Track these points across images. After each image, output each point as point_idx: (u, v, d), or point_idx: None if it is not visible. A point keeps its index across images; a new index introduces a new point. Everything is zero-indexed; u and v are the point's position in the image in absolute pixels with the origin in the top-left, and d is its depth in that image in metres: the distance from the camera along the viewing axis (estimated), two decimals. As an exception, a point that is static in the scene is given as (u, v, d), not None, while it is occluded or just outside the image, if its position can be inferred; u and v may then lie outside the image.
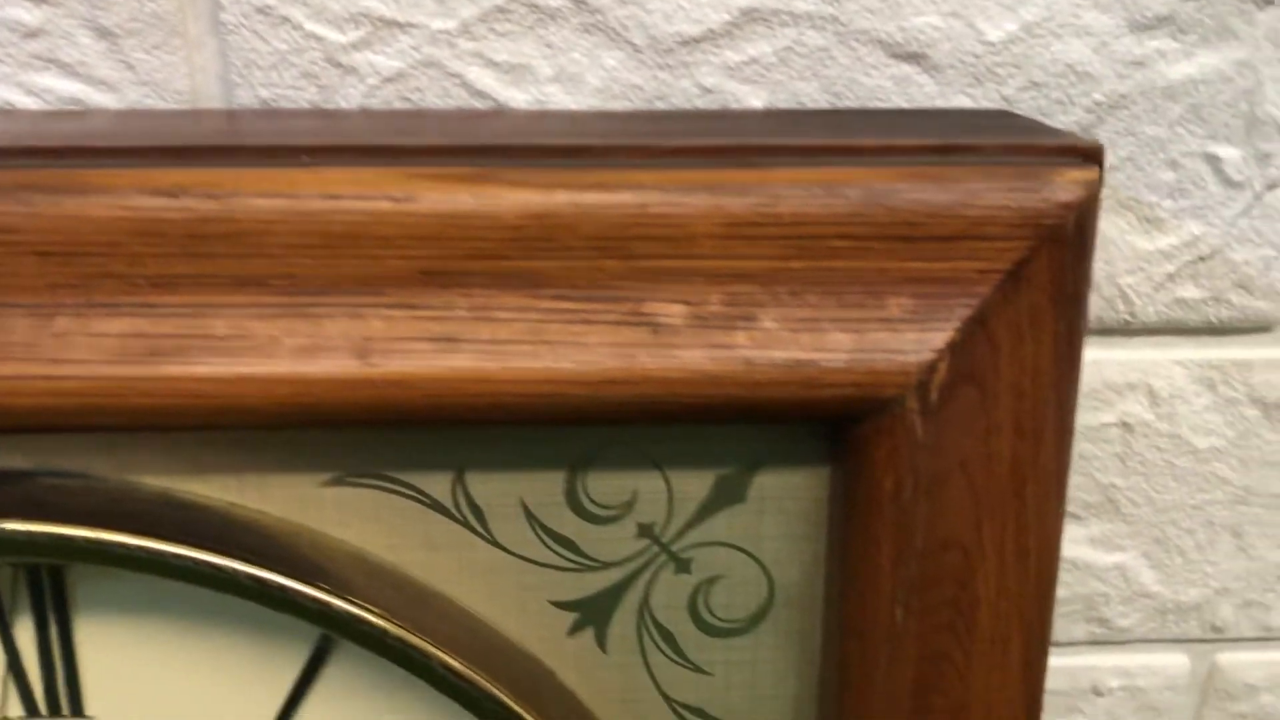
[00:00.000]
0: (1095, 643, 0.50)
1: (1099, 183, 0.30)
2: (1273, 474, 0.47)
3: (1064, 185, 0.30)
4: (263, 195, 0.29)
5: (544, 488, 0.32)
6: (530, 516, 0.32)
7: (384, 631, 0.30)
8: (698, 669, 0.34)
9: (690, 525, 0.33)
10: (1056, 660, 0.51)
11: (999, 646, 0.33)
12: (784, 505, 0.33)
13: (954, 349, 0.30)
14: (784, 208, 0.29)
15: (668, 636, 0.34)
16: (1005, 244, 0.30)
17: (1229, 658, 0.51)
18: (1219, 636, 0.50)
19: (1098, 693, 0.51)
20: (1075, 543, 0.47)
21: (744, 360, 0.29)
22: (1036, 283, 0.30)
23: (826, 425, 0.32)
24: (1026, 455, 0.31)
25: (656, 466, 0.32)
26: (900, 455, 0.30)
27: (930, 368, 0.30)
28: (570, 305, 0.29)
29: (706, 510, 0.33)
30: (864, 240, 0.30)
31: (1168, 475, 0.46)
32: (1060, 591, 0.49)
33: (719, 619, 0.34)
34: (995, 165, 0.30)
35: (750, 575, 0.33)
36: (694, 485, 0.33)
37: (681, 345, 0.29)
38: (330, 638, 0.33)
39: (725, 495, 0.33)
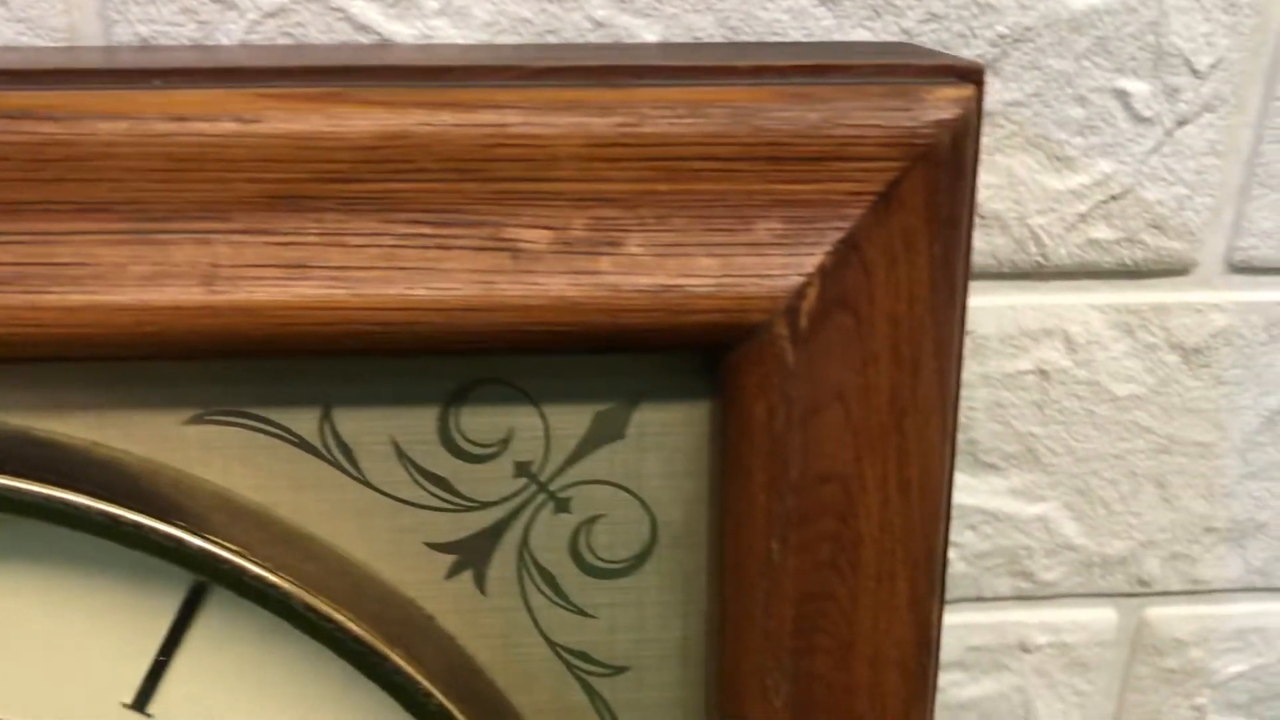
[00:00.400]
0: (1021, 598, 0.50)
1: (976, 101, 0.29)
2: (1195, 422, 0.46)
3: (937, 104, 0.29)
4: (106, 118, 0.28)
5: (415, 425, 0.31)
6: (402, 455, 0.31)
7: (241, 570, 0.29)
8: (581, 612, 0.33)
9: (569, 463, 0.32)
10: (982, 617, 0.50)
11: (885, 585, 0.32)
12: (664, 441, 0.32)
13: (824, 273, 0.29)
14: (648, 128, 0.28)
15: (549, 578, 0.33)
16: (876, 165, 0.29)
17: (1157, 612, 0.51)
18: (1146, 590, 0.50)
19: (1025, 649, 0.50)
20: (996, 494, 0.47)
21: (608, 286, 0.29)
22: (910, 205, 0.29)
23: (704, 358, 0.31)
24: (905, 386, 0.31)
25: (532, 402, 0.31)
26: (771, 383, 0.29)
27: (799, 293, 0.29)
28: (426, 230, 0.28)
29: (585, 447, 0.32)
30: (730, 162, 0.29)
31: (1087, 424, 0.45)
32: (982, 545, 0.48)
33: (601, 560, 0.33)
34: (866, 85, 0.29)
35: (632, 514, 0.33)
36: (571, 422, 0.32)
37: (543, 271, 0.28)
38: (205, 583, 0.32)
39: (604, 432, 0.32)
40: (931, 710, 0.34)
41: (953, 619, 0.50)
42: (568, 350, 0.29)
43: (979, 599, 0.49)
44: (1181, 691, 0.52)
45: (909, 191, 0.29)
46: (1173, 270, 0.43)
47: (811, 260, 0.29)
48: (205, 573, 0.30)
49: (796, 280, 0.29)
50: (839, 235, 0.29)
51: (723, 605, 0.32)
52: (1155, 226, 0.42)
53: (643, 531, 0.33)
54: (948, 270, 0.30)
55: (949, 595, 0.49)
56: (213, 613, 0.33)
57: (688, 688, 0.34)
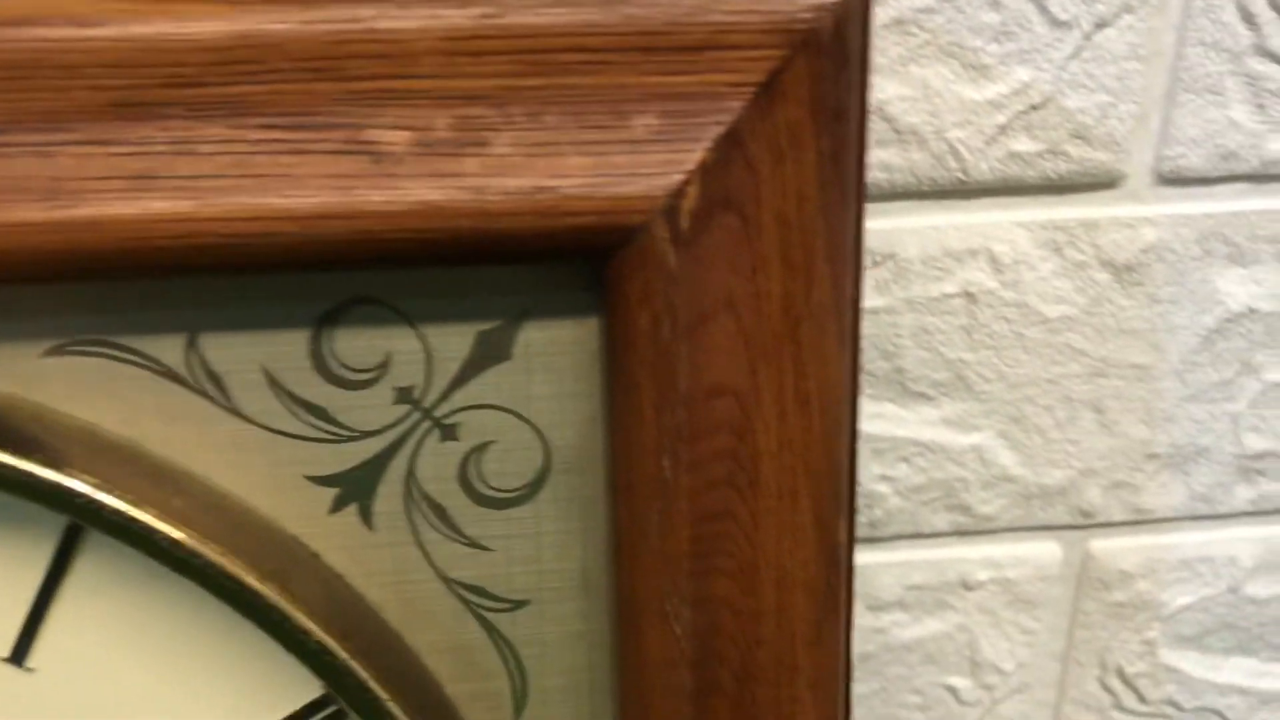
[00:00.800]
0: (960, 533, 0.48)
1: (861, -15, 0.28)
2: (1130, 343, 0.45)
3: (818, -13, 0.27)
4: (-67, 25, 0.26)
5: (287, 351, 0.30)
6: (274, 383, 0.30)
7: (100, 505, 0.28)
8: (475, 544, 0.32)
9: (453, 388, 0.30)
10: (920, 553, 0.49)
11: (787, 503, 0.31)
12: (553, 362, 0.30)
13: (705, 171, 0.27)
14: (512, 19, 0.27)
15: (439, 510, 0.31)
16: (755, 54, 0.27)
17: (1102, 544, 0.49)
18: (1089, 522, 0.48)
19: (967, 586, 0.49)
20: (928, 424, 0.45)
21: (475, 189, 0.27)
22: (794, 97, 0.28)
23: (590, 271, 0.29)
24: (798, 292, 0.29)
25: (410, 323, 0.30)
26: (654, 290, 0.28)
27: (679, 191, 0.27)
28: (280, 135, 0.27)
29: (469, 370, 0.30)
30: (602, 54, 0.27)
31: (1018, 348, 0.44)
32: (917, 478, 0.46)
33: (493, 489, 0.31)
34: (744, -32, 0.27)
35: (523, 439, 0.31)
36: (453, 343, 0.30)
37: (405, 175, 0.27)
38: (79, 527, 0.31)
39: (488, 353, 0.30)
40: (846, 632, 0.33)
41: (891, 557, 0.48)
42: (435, 260, 0.27)
43: (916, 535, 0.48)
44: (1131, 626, 0.51)
45: (792, 82, 0.27)
46: (1099, 183, 0.42)
47: (691, 157, 0.27)
48: (66, 510, 0.28)
49: (676, 178, 0.27)
50: (720, 130, 0.27)
51: (617, 529, 0.30)
52: (1078, 137, 0.40)
53: (535, 457, 0.31)
54: (838, 168, 0.29)
55: (885, 532, 0.48)
56: (89, 558, 0.31)
57: (591, 620, 0.33)
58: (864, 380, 0.44)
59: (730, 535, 0.31)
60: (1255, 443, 0.47)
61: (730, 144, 0.28)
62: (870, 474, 0.46)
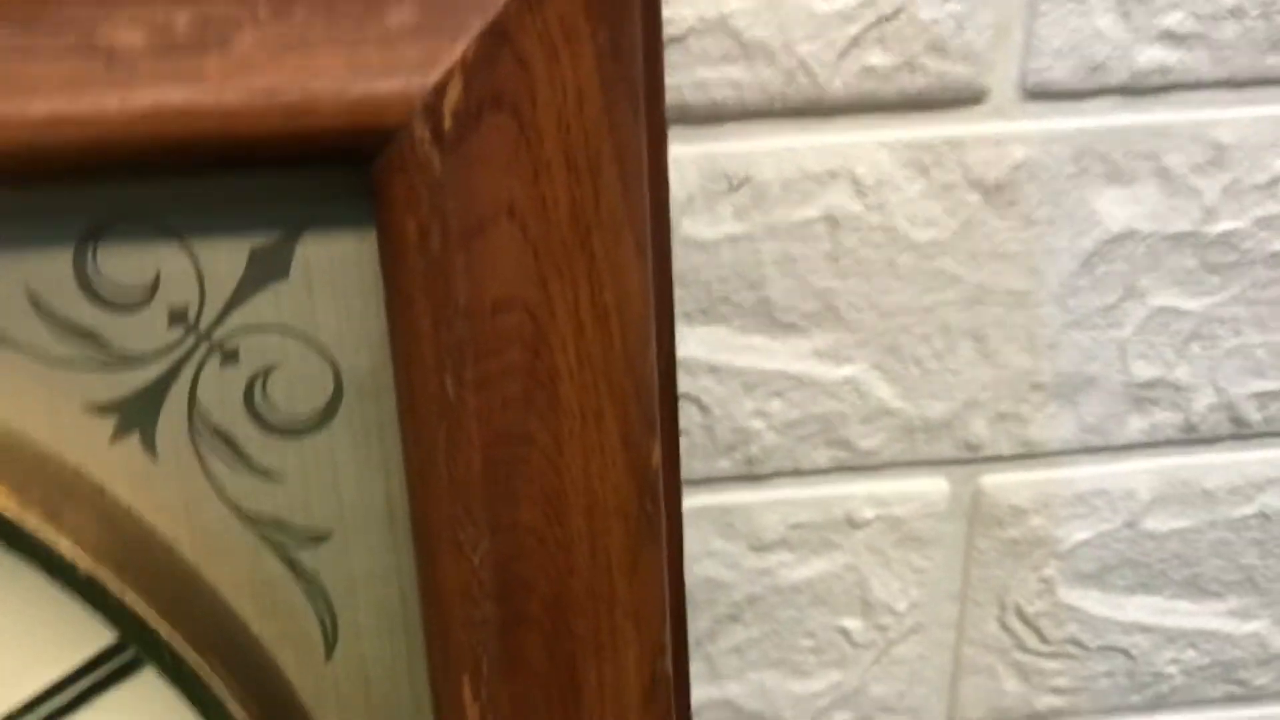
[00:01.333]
0: (842, 469, 0.47)
1: None
2: (1007, 268, 0.43)
3: None
4: None
5: (49, 270, 0.28)
6: (38, 306, 0.28)
7: None
8: (268, 476, 0.30)
9: (229, 308, 0.29)
10: (802, 491, 0.47)
11: (592, 425, 0.29)
12: (336, 280, 0.29)
13: (469, 67, 0.26)
14: (253, -92, 0.25)
15: (226, 439, 0.30)
16: (517, -61, 0.26)
17: (992, 480, 0.48)
18: (976, 455, 0.47)
19: (853, 524, 0.48)
20: (799, 357, 0.44)
21: (216, 91, 0.25)
22: (563, -14, 0.26)
23: (365, 180, 0.28)
24: (587, 199, 0.27)
25: (177, 238, 0.28)
26: (419, 196, 0.26)
27: (439, 89, 0.26)
28: (6, 37, 0.25)
29: (245, 289, 0.29)
30: (352, -57, 0.25)
31: (889, 275, 0.43)
32: (793, 413, 0.45)
33: (282, 416, 0.30)
34: None
35: (310, 363, 0.30)
36: (226, 261, 0.28)
37: (142, 76, 0.25)
38: None
39: (264, 270, 0.29)
40: (673, 562, 0.31)
41: (772, 495, 0.47)
42: (183, 169, 0.26)
43: (796, 472, 0.46)
44: (1028, 564, 0.49)
45: (559, -31, 0.26)
46: (962, 99, 0.40)
47: (452, 52, 0.26)
48: None
49: (436, 76, 0.26)
50: (483, 22, 0.26)
51: (406, 454, 0.29)
52: (935, 49, 0.39)
53: (325, 382, 0.30)
54: (621, 64, 0.27)
55: (763, 470, 0.46)
56: None
57: (401, 554, 0.31)
58: (729, 311, 0.43)
59: (530, 459, 0.29)
60: (1144, 370, 0.45)
61: (496, 38, 0.26)
62: (743, 410, 0.44)
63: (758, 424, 0.45)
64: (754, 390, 0.44)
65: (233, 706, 0.29)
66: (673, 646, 0.33)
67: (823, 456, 0.46)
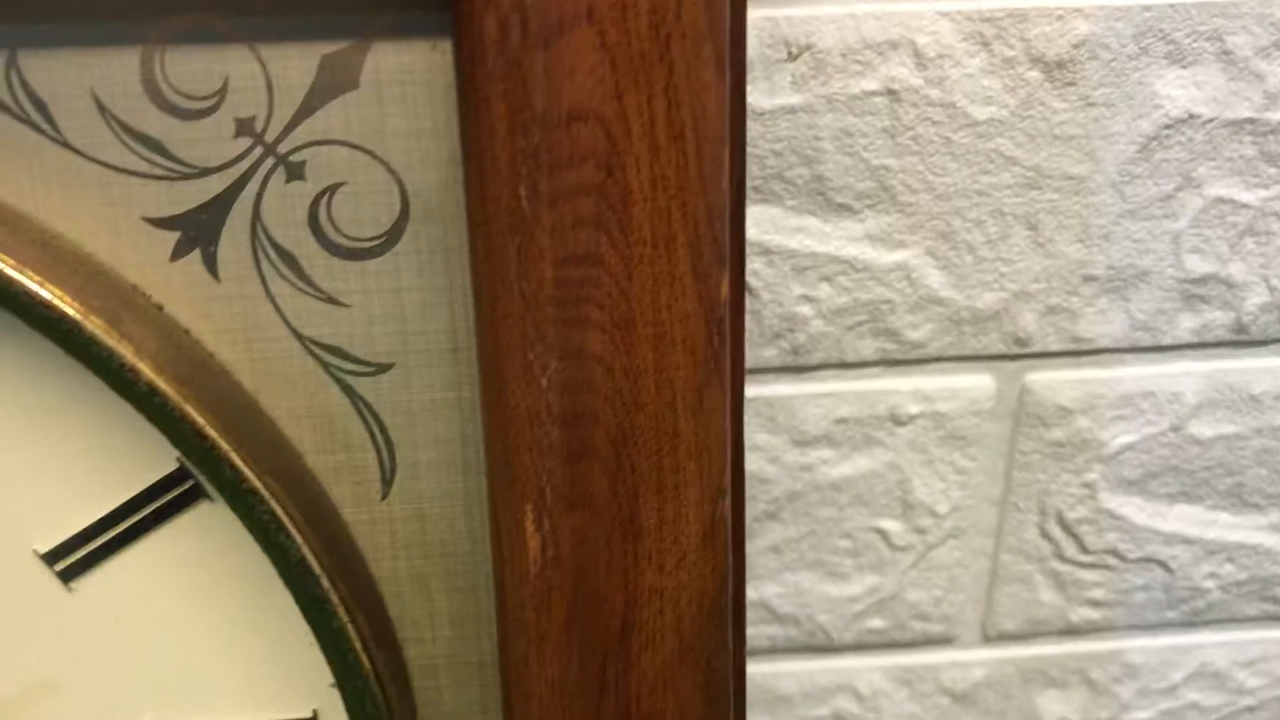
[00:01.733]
0: (888, 362, 0.46)
1: None
2: (1064, 151, 0.42)
3: None
4: None
5: (117, 74, 0.27)
6: (104, 111, 0.28)
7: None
8: (331, 300, 0.30)
9: (298, 119, 0.28)
10: (847, 385, 0.47)
11: (662, 251, 0.29)
12: (407, 92, 0.28)
13: None
14: None
15: (289, 259, 0.29)
16: None
17: (1039, 377, 0.47)
18: (1024, 351, 0.46)
19: (897, 420, 0.47)
20: (851, 240, 0.43)
21: None
22: None
23: (443, -13, 0.27)
24: (668, 6, 0.27)
25: (247, 44, 0.27)
26: (501, -10, 0.26)
27: (526, -124, 0.25)
28: None
29: (314, 99, 0.28)
30: None
31: (945, 154, 0.42)
32: (842, 299, 0.44)
33: (347, 236, 0.29)
34: None
35: (378, 181, 0.29)
36: (295, 68, 0.28)
37: None
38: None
39: (334, 80, 0.28)
40: (734, 405, 0.31)
41: (816, 388, 0.46)
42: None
43: (842, 364, 0.46)
44: (1070, 468, 0.49)
45: None
46: (1027, -31, 0.39)
47: None
48: None
49: None
50: None
51: (476, 269, 0.28)
52: (1003, -86, 0.38)
53: (391, 203, 0.29)
54: None
55: (809, 361, 0.46)
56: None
57: (462, 388, 0.31)
58: (782, 189, 0.42)
59: (600, 282, 0.28)
60: (1197, 265, 0.45)
61: None
62: (792, 294, 0.44)
63: (806, 310, 0.44)
64: (804, 274, 0.43)
65: (292, 530, 0.29)
66: (731, 493, 0.32)
67: (869, 348, 0.45)
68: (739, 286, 0.31)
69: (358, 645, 0.30)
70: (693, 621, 0.32)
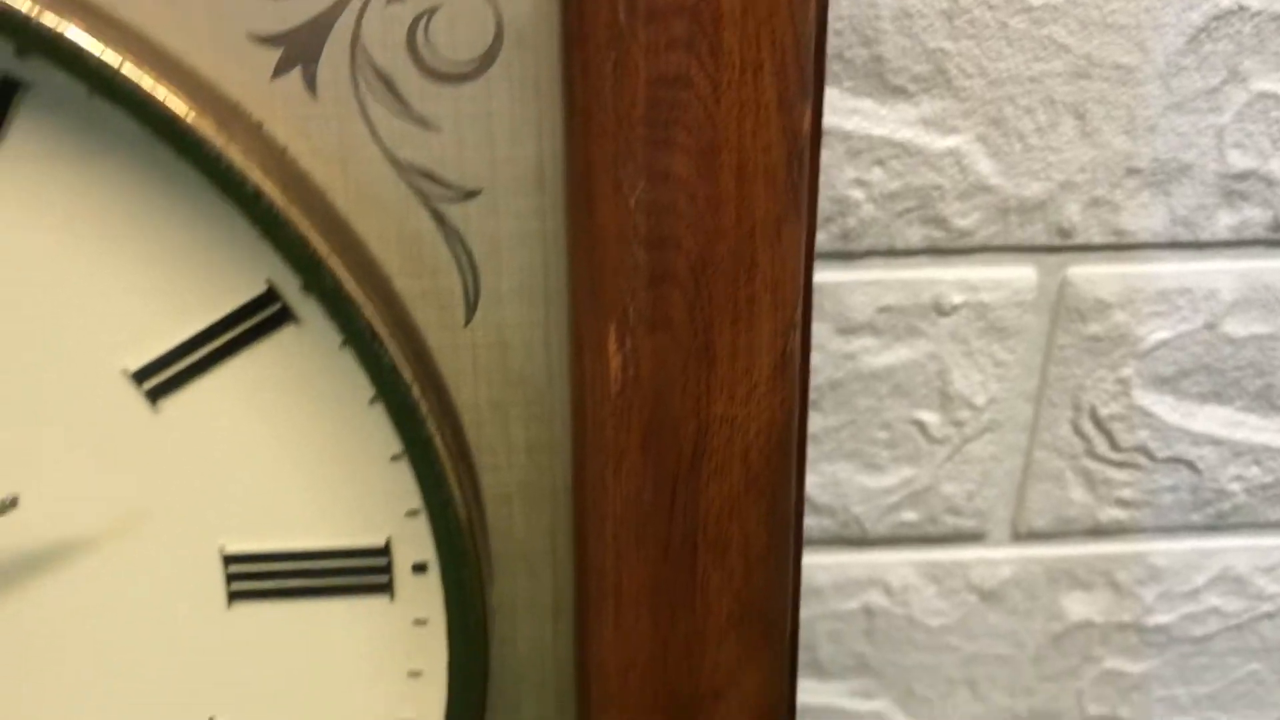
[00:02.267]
0: (934, 250, 0.47)
1: None
2: (1114, 40, 0.43)
3: None
4: None
5: (229, -110, 0.29)
6: (214, -75, 0.29)
7: (36, 24, 0.27)
8: (424, 123, 0.31)
9: (401, -60, 0.29)
10: (893, 273, 0.48)
11: (750, 78, 0.30)
12: (507, -83, 0.29)
13: None
14: None
15: (386, 81, 0.30)
16: None
17: (1080, 271, 0.48)
18: (1066, 243, 0.47)
19: (940, 310, 0.48)
20: (905, 123, 0.44)
21: None
22: None
23: None
24: None
25: None
26: None
27: None
28: None
29: (418, -78, 0.29)
30: None
31: (1000, 39, 0.43)
32: (893, 184, 0.45)
33: (443, 60, 0.30)
34: None
35: (473, 6, 0.30)
36: (401, -110, 0.29)
37: None
38: (12, 88, 0.29)
39: (438, -98, 0.29)
40: (803, 235, 0.32)
41: (863, 275, 0.47)
42: None
43: (890, 252, 0.47)
44: (1106, 363, 0.50)
45: None
46: None
47: None
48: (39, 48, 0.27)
49: None
50: None
51: (569, 84, 0.29)
52: None
53: (486, 27, 0.30)
54: None
55: (858, 247, 0.47)
56: (26, 119, 0.30)
57: (547, 219, 0.32)
58: (840, 70, 0.43)
59: (688, 105, 0.30)
60: (1239, 161, 0.46)
61: None
62: (844, 177, 0.45)
63: (858, 194, 0.45)
64: (858, 157, 0.44)
65: (386, 339, 0.30)
66: (800, 331, 0.33)
67: (916, 235, 0.47)
68: (818, 123, 0.32)
69: (444, 458, 0.31)
70: (760, 453, 0.33)
